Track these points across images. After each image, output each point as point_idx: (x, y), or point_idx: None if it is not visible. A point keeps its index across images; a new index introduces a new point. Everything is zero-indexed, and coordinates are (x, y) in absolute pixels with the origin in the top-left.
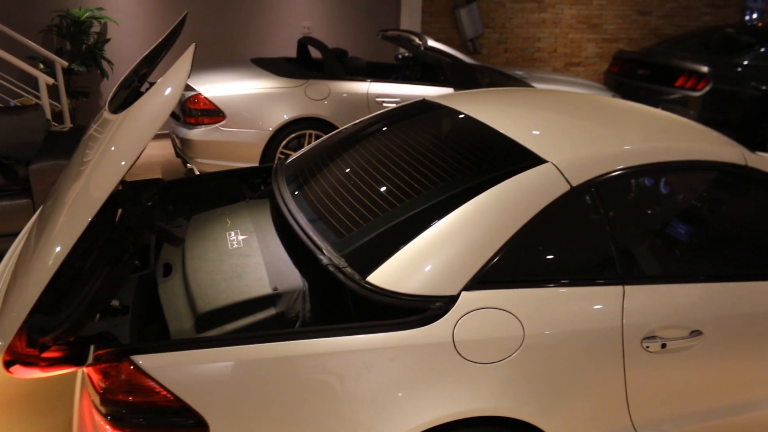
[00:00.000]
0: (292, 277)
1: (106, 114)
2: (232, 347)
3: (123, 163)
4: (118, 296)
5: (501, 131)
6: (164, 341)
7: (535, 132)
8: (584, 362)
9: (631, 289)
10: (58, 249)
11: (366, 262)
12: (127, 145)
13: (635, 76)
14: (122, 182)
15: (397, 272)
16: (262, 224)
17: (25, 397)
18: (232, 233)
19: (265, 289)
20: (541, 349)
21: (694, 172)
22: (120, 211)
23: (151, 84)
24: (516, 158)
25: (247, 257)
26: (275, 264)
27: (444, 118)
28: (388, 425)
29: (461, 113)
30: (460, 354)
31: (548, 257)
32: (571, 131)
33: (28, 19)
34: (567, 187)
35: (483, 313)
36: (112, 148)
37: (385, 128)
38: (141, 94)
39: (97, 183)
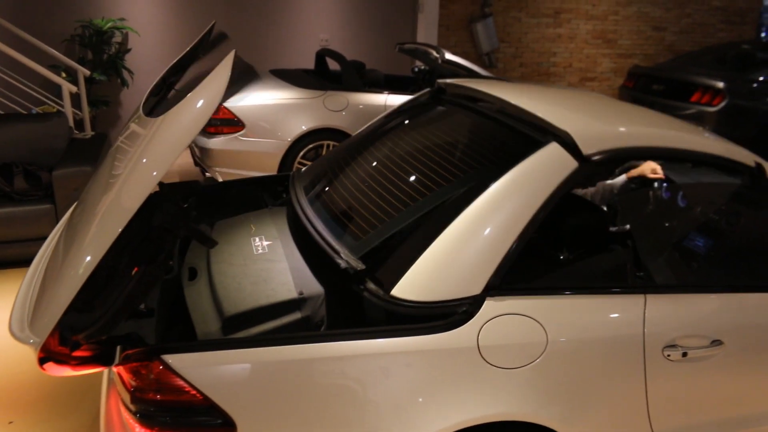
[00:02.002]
0: (318, 283)
1: (134, 125)
2: (257, 348)
3: (155, 173)
4: (146, 298)
5: (517, 104)
6: (194, 341)
7: (554, 108)
8: (606, 369)
9: (653, 298)
10: (88, 259)
11: (388, 274)
12: (160, 155)
13: (650, 92)
14: (159, 183)
15: (420, 281)
16: (285, 231)
17: (48, 397)
18: (257, 239)
19: (290, 293)
20: (564, 356)
21: (710, 168)
22: (156, 211)
23: (177, 90)
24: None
25: (272, 262)
26: (301, 269)
27: (456, 107)
28: (410, 429)
29: (475, 100)
30: (484, 359)
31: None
32: (589, 110)
33: (52, 29)
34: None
35: (507, 319)
36: (144, 160)
37: (395, 127)
38: (171, 102)
39: (129, 193)
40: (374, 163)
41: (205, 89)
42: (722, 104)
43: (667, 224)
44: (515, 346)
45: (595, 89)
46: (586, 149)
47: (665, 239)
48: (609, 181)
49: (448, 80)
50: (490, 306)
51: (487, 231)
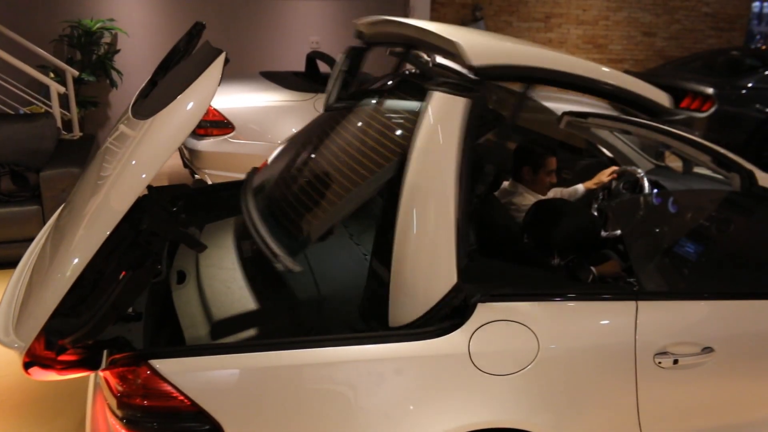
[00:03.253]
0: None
1: (123, 127)
2: (246, 354)
3: (144, 176)
4: (133, 303)
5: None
6: (181, 346)
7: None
8: (597, 376)
9: (645, 305)
10: (76, 261)
11: (373, 312)
12: (149, 157)
13: None
14: (148, 186)
15: (404, 305)
16: None
17: (33, 401)
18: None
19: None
20: (555, 362)
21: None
22: (144, 215)
23: (165, 91)
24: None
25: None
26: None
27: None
28: None
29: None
30: (475, 365)
31: None
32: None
33: (40, 29)
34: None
35: (498, 326)
36: (133, 162)
37: (324, 124)
38: (161, 103)
39: (117, 195)
40: (303, 164)
41: (195, 91)
42: (711, 110)
43: (657, 230)
44: (506, 352)
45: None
46: (475, 60)
47: (656, 245)
48: (566, 191)
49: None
50: (481, 312)
51: (428, 222)
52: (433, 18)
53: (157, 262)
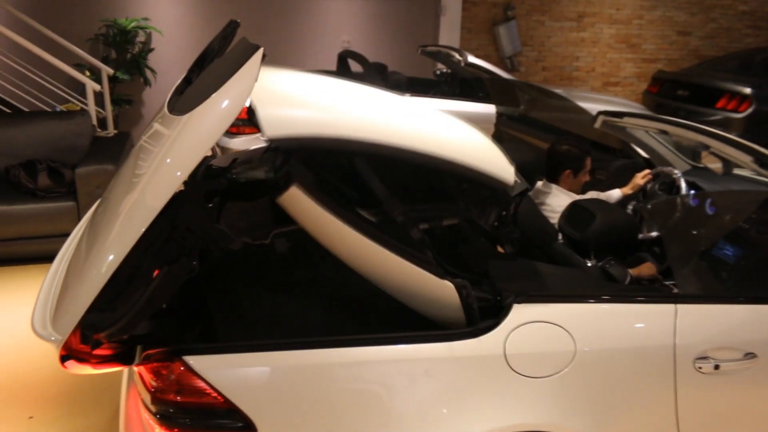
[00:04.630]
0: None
1: (158, 125)
2: (280, 352)
3: (179, 173)
4: (168, 299)
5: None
6: (215, 343)
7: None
8: (635, 380)
9: (684, 308)
10: (111, 258)
11: None
12: (184, 155)
13: (675, 97)
14: (184, 182)
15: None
16: None
17: (68, 394)
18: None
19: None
20: (592, 366)
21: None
22: (181, 210)
23: (201, 88)
24: None
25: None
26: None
27: None
28: None
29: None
30: (511, 367)
31: None
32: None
33: (77, 28)
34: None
35: (535, 327)
36: (168, 160)
37: None
38: (196, 100)
39: (153, 193)
40: None
41: (233, 88)
42: (749, 110)
43: (696, 232)
44: (543, 354)
45: (618, 94)
46: (269, 131)
47: (695, 247)
48: (602, 195)
49: None
50: (517, 313)
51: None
52: (465, 17)
53: (192, 258)
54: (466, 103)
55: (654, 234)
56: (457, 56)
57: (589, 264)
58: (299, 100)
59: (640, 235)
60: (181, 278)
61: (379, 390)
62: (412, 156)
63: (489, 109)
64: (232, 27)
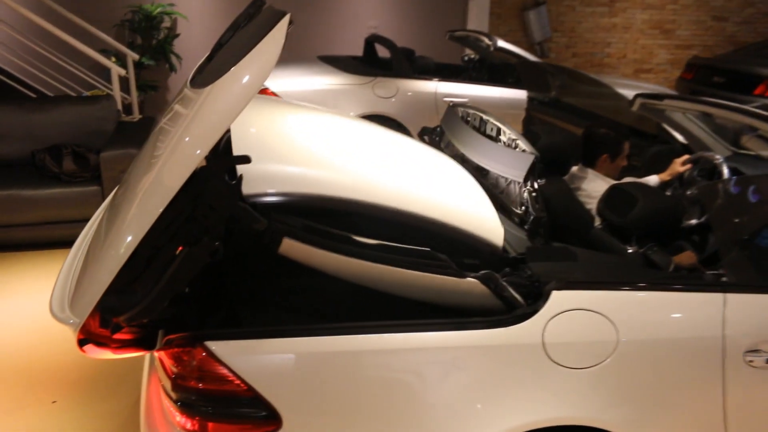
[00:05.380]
0: None
1: (177, 106)
2: (305, 338)
3: (198, 152)
4: (190, 281)
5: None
6: (238, 328)
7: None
8: (680, 373)
9: (734, 298)
10: (129, 239)
11: None
12: (203, 132)
13: (711, 84)
14: (206, 158)
15: None
16: None
17: (91, 379)
18: None
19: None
20: (635, 356)
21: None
22: (203, 187)
23: (223, 60)
24: None
25: None
26: None
27: None
28: (466, 430)
29: None
30: (549, 357)
31: None
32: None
33: (103, 14)
34: None
35: (575, 315)
36: (186, 138)
37: None
38: (217, 72)
39: (170, 172)
40: None
41: (253, 61)
42: None
43: (744, 219)
44: (583, 343)
45: (650, 81)
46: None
47: (744, 234)
48: (638, 181)
49: None
50: (556, 300)
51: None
52: (494, 3)
53: (215, 238)
54: (495, 88)
55: (694, 222)
56: (486, 41)
57: (630, 250)
58: (279, 151)
59: (690, 222)
60: (203, 259)
61: (409, 379)
62: (396, 216)
63: (519, 94)
64: (257, 5)
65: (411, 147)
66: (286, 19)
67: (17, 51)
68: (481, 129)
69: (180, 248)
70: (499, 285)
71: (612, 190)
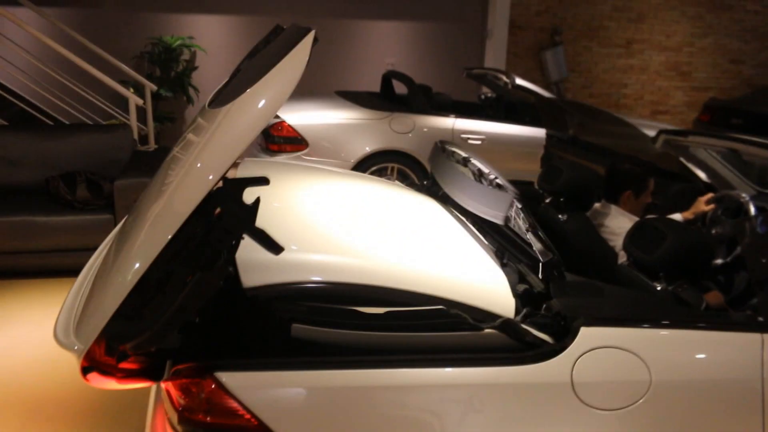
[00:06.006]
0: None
1: (190, 135)
2: (318, 371)
3: (210, 177)
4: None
5: None
6: (251, 359)
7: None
8: (716, 415)
9: None
10: (137, 266)
11: None
12: (216, 156)
13: (728, 126)
14: (223, 179)
15: None
16: None
17: (93, 411)
18: None
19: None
20: (669, 398)
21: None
22: (217, 211)
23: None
24: None
25: None
26: None
27: None
28: None
29: None
30: (578, 397)
31: None
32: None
33: (123, 45)
34: None
35: (605, 353)
36: (198, 165)
37: None
38: (233, 93)
39: (181, 198)
40: None
41: (276, 77)
42: None
43: None
44: (615, 383)
45: (667, 122)
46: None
47: None
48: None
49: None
50: (585, 337)
51: None
52: (511, 42)
53: (228, 263)
54: (512, 126)
55: (719, 261)
56: (504, 78)
57: (659, 288)
58: (298, 234)
59: (720, 261)
60: (215, 286)
61: (428, 418)
62: (410, 298)
63: (537, 132)
64: (277, 32)
65: (420, 212)
66: (311, 36)
67: (37, 79)
68: (464, 167)
69: (191, 274)
70: (520, 331)
71: (639, 225)
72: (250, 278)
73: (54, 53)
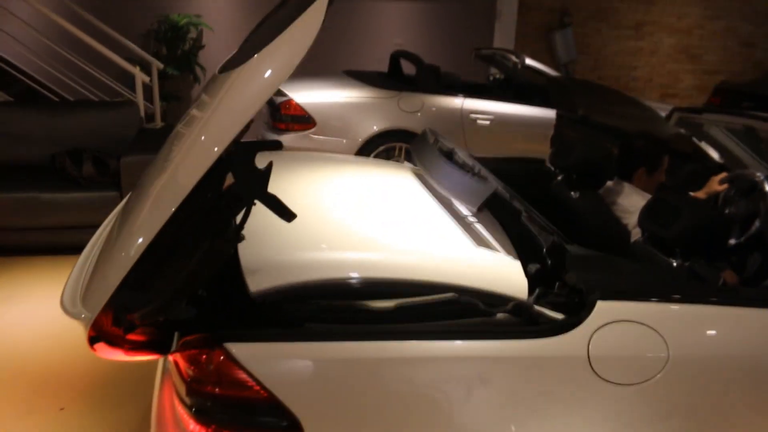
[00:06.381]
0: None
1: (194, 110)
2: (330, 343)
3: (216, 149)
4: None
5: None
6: (261, 330)
7: None
8: (736, 393)
9: None
10: (140, 240)
11: None
12: (220, 128)
13: (739, 109)
14: (235, 143)
15: None
16: None
17: (101, 386)
18: None
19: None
20: (687, 374)
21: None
22: (228, 176)
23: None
24: None
25: None
26: None
27: None
28: None
29: None
30: (595, 371)
31: None
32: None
33: (130, 23)
34: None
35: (622, 327)
36: (202, 137)
37: None
38: (239, 60)
39: (185, 170)
40: None
41: (289, 38)
42: None
43: None
44: (631, 358)
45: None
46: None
47: None
48: None
49: None
50: (601, 311)
51: None
52: (520, 23)
53: (240, 230)
54: (521, 106)
55: (733, 241)
56: (514, 59)
57: (675, 264)
58: (305, 233)
59: (738, 239)
60: (226, 252)
61: (437, 394)
62: (423, 288)
63: (546, 113)
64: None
65: (429, 201)
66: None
67: (43, 55)
68: (448, 156)
69: (201, 241)
70: (533, 313)
71: (655, 201)
72: (257, 285)
73: (60, 30)
